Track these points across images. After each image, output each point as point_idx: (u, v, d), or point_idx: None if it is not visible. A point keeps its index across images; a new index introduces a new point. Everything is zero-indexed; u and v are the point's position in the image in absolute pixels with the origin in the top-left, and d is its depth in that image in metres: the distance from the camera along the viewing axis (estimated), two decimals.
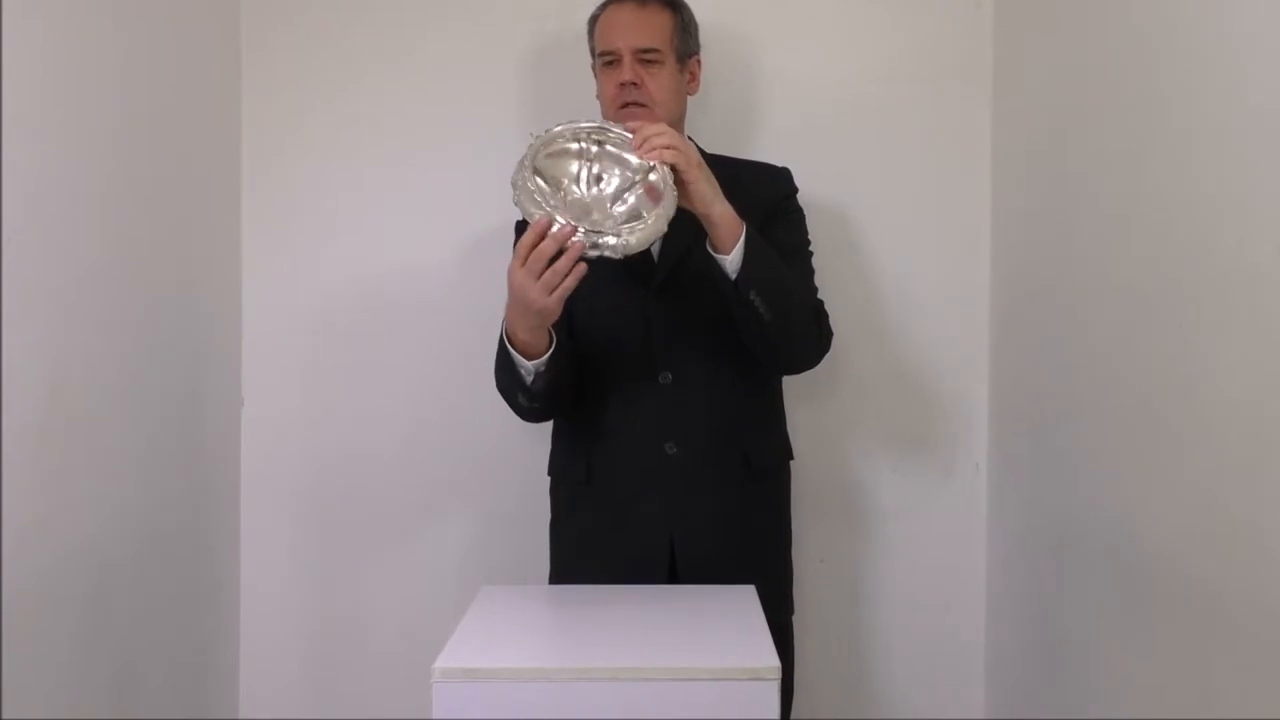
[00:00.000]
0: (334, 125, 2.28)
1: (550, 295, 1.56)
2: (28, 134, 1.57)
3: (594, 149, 1.65)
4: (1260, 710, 1.31)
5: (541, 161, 1.62)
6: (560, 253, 1.54)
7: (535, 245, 1.54)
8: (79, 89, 1.73)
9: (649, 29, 1.84)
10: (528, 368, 1.69)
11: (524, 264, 1.55)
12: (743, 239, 1.64)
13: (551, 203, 1.57)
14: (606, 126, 1.67)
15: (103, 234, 1.80)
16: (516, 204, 1.58)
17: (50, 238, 1.65)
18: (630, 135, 1.65)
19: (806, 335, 1.80)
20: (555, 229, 1.53)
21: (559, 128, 1.66)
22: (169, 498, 2.01)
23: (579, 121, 1.67)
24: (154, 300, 1.96)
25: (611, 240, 1.55)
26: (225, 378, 2.25)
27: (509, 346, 1.69)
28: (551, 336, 1.68)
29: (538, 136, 1.65)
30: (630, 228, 1.57)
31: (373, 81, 2.28)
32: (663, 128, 1.65)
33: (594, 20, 1.92)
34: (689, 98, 1.93)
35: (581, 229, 1.54)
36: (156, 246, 1.97)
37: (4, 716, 1.52)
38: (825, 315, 1.85)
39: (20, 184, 1.55)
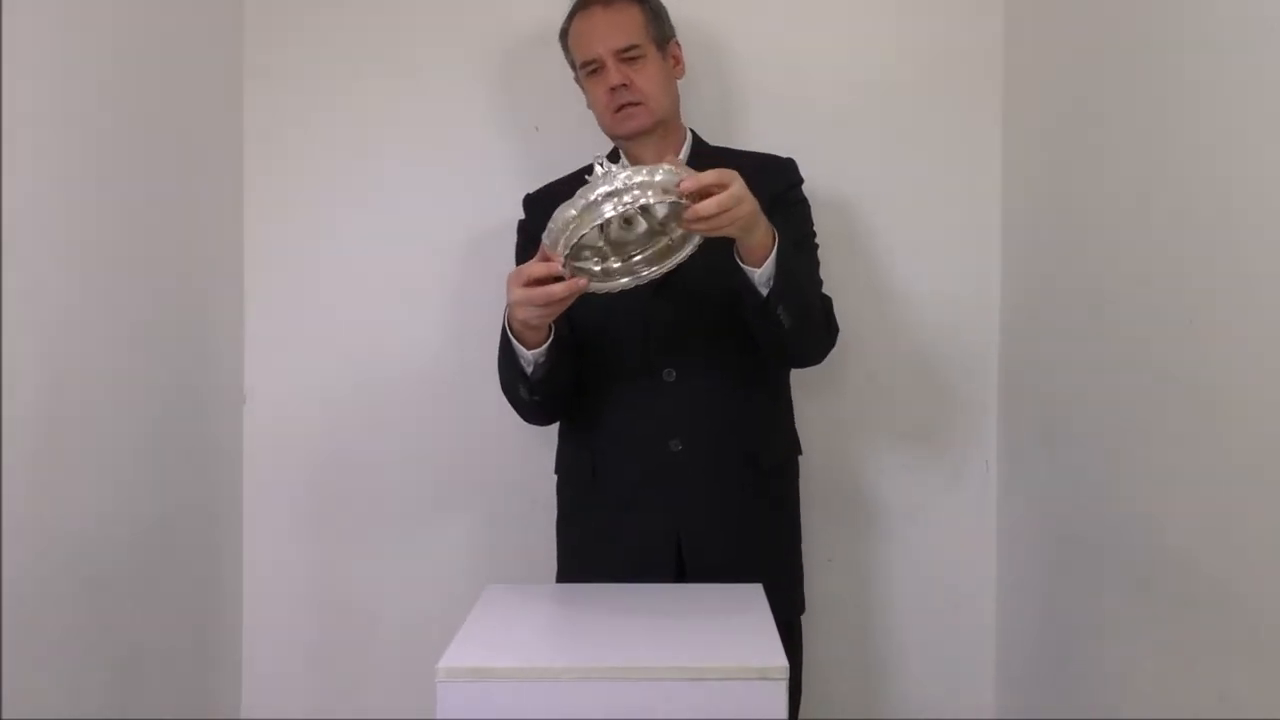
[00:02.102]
0: (337, 120, 2.27)
1: (542, 318, 1.59)
2: (29, 130, 1.57)
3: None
4: (1275, 710, 1.30)
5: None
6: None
7: (540, 278, 1.52)
8: (81, 85, 1.73)
9: (623, 27, 1.83)
10: (527, 357, 1.69)
11: (524, 285, 1.53)
12: (774, 254, 1.61)
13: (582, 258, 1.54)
14: (664, 194, 1.47)
15: (105, 229, 1.79)
16: (544, 236, 1.51)
17: (53, 233, 1.65)
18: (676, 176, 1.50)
19: (819, 336, 1.80)
20: (565, 277, 1.51)
21: (606, 213, 1.45)
22: (171, 496, 2.01)
23: (636, 195, 1.45)
24: (156, 296, 1.95)
25: (624, 280, 1.57)
26: (227, 374, 2.24)
27: (510, 335, 1.68)
28: (550, 327, 1.67)
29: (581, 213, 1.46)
30: (650, 268, 1.58)
31: (375, 76, 2.27)
32: (718, 200, 1.47)
33: (564, 33, 1.91)
34: (678, 81, 1.92)
35: (595, 271, 1.55)
36: (159, 242, 1.96)
37: (4, 715, 1.51)
38: (832, 311, 1.84)
39: (22, 179, 1.55)
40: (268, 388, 2.29)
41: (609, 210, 1.45)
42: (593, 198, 1.45)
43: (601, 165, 1.48)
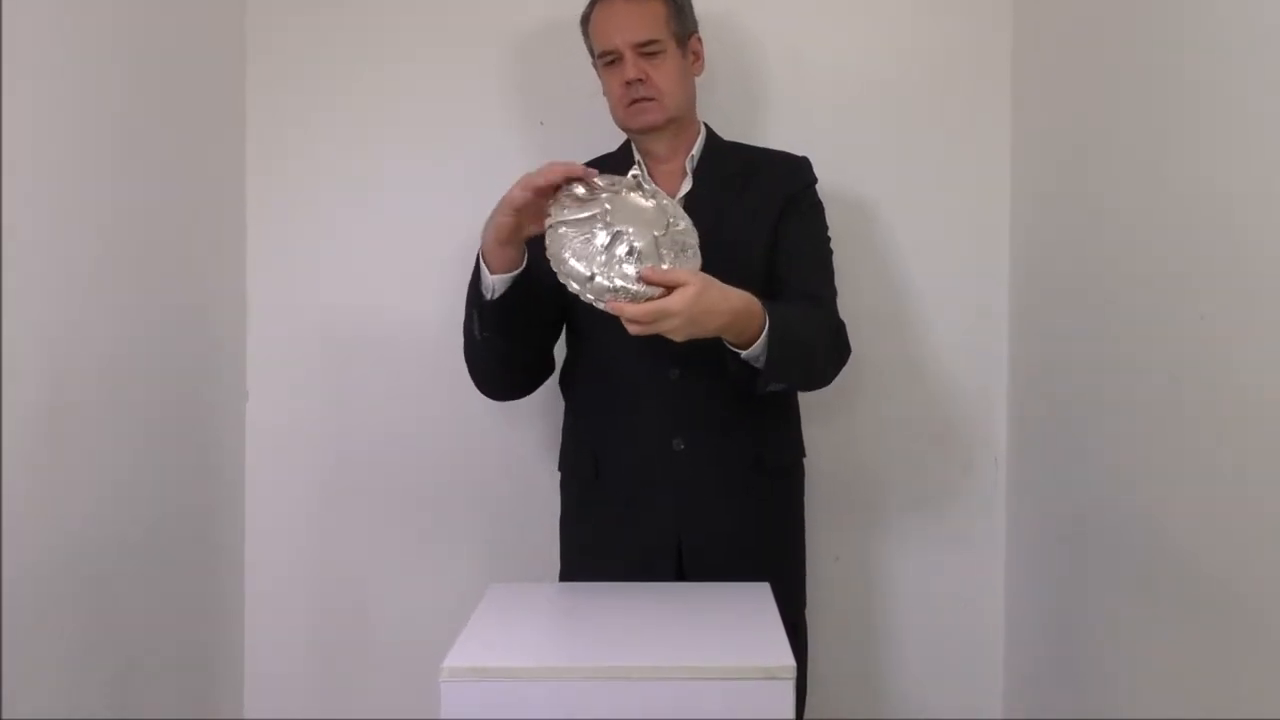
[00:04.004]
0: (339, 121, 2.26)
1: (516, 190, 1.57)
2: (29, 129, 1.56)
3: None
4: None
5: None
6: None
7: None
8: (81, 83, 1.71)
9: (645, 21, 1.81)
10: (488, 283, 1.66)
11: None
12: (764, 339, 1.60)
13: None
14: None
15: (107, 227, 1.78)
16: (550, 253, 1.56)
17: (54, 231, 1.64)
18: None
19: (824, 375, 1.80)
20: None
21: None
22: (173, 494, 2.00)
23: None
24: (158, 294, 1.94)
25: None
26: (229, 372, 2.23)
27: (480, 258, 1.67)
28: (525, 259, 1.66)
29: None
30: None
31: (377, 75, 2.25)
32: (644, 309, 1.50)
33: (586, 19, 1.89)
34: (696, 78, 1.91)
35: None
36: (161, 240, 1.95)
37: (4, 715, 1.50)
38: (843, 333, 1.82)
39: (22, 178, 1.54)
40: (270, 386, 2.27)
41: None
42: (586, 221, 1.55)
43: (637, 184, 1.59)
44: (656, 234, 1.55)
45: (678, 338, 1.53)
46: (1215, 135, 1.45)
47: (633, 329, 1.50)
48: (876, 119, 2.23)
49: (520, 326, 1.73)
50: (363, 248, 2.26)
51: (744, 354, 1.62)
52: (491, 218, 1.62)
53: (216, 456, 2.18)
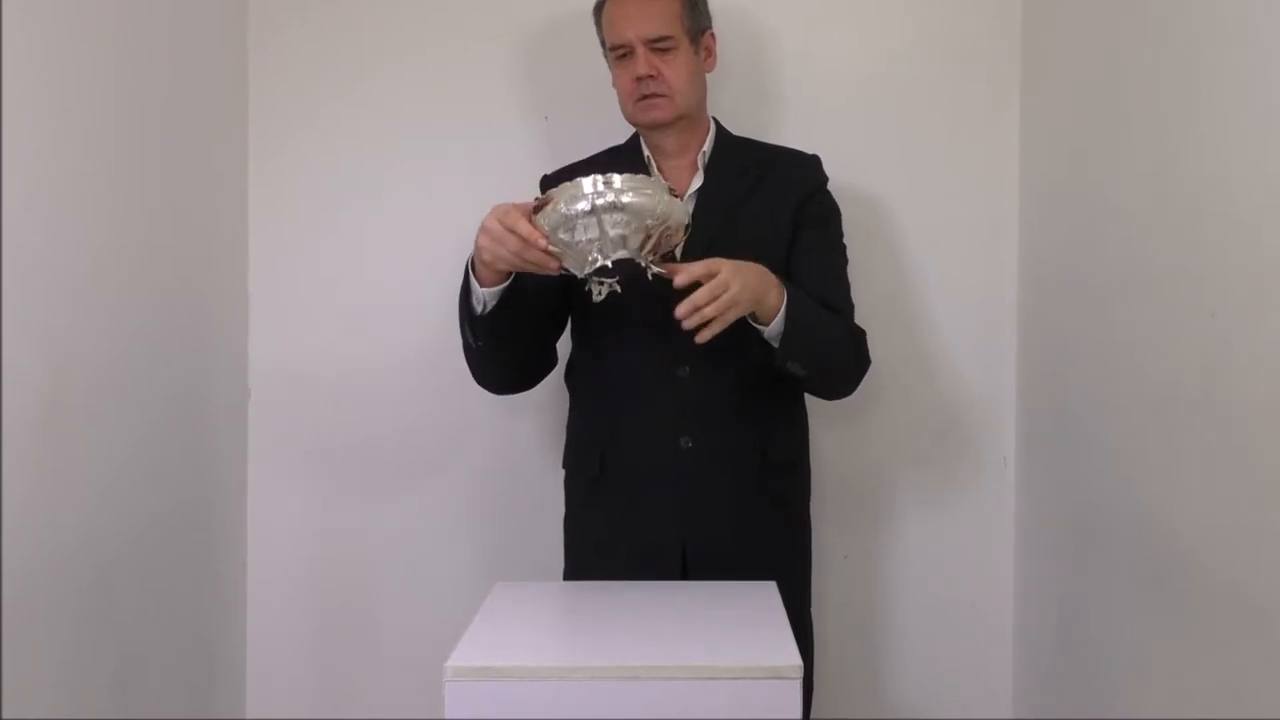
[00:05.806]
0: (342, 114, 2.25)
1: (498, 260, 1.56)
2: (30, 126, 1.55)
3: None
4: None
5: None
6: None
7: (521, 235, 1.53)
8: (83, 80, 1.70)
9: (658, 16, 1.80)
10: (478, 294, 1.65)
11: (504, 226, 1.54)
12: (783, 312, 1.63)
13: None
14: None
15: (108, 222, 1.78)
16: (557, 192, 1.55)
17: (54, 226, 1.63)
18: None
19: (843, 376, 1.81)
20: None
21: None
22: (174, 491, 1.99)
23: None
24: (160, 290, 1.93)
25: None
26: (231, 369, 2.22)
27: (469, 269, 1.66)
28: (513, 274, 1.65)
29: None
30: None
31: (380, 71, 2.25)
32: (708, 292, 1.55)
33: (599, 10, 1.88)
34: (708, 74, 1.89)
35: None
36: (162, 235, 1.95)
37: (4, 715, 1.49)
38: (864, 341, 1.82)
39: (24, 170, 1.53)
40: (270, 385, 2.26)
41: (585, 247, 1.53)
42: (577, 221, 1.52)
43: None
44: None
45: (742, 299, 1.57)
46: (1225, 132, 1.44)
47: (701, 313, 1.55)
48: (885, 116, 2.22)
49: (517, 331, 1.72)
50: (365, 246, 2.25)
51: (765, 331, 1.64)
52: (476, 240, 1.60)
53: (217, 456, 2.17)
